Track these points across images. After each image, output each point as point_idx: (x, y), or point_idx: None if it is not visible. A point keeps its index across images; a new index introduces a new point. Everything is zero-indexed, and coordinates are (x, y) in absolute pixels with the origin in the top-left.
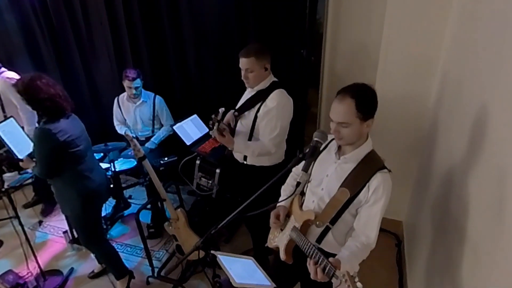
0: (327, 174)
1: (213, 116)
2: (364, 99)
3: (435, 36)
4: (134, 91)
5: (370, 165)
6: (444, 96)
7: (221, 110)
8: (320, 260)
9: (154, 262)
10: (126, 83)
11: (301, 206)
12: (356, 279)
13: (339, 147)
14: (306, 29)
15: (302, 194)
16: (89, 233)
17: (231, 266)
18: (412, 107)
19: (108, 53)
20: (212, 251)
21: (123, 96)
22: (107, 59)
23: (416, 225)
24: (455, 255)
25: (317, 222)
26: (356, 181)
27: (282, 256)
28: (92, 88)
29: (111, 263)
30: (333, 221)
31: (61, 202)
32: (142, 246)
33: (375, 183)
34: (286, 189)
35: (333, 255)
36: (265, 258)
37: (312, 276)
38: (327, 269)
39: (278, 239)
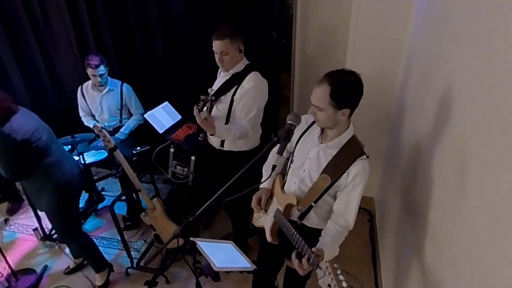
0: (309, 156)
1: (202, 97)
2: (340, 89)
3: (402, 16)
4: (99, 79)
5: (351, 152)
6: (410, 75)
7: (210, 90)
8: (304, 250)
9: (132, 253)
10: (89, 71)
11: (283, 187)
12: (339, 272)
13: (322, 130)
14: (276, 11)
15: (284, 174)
16: (67, 227)
17: (211, 251)
18: (381, 86)
19: (69, 39)
20: (191, 238)
21: (88, 84)
22: (67, 45)
23: (386, 201)
24: (420, 228)
25: (299, 207)
26: (336, 168)
27: (268, 238)
28: (53, 76)
29: (91, 256)
30: (315, 200)
31: (37, 199)
32: (119, 238)
33: (354, 170)
34: (267, 169)
35: (316, 231)
36: (245, 242)
37: (296, 268)
38: (311, 260)
39: (263, 220)
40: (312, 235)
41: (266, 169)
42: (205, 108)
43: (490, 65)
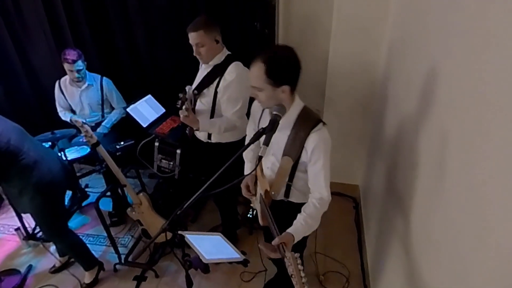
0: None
1: (180, 95)
2: (274, 65)
3: (383, 2)
4: (76, 75)
5: (303, 126)
6: (393, 62)
7: (188, 87)
8: (276, 241)
9: (120, 249)
10: (66, 66)
11: (262, 171)
12: (299, 261)
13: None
14: (258, 1)
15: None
16: (53, 227)
17: (200, 244)
18: (364, 73)
19: (44, 31)
20: (179, 232)
21: (65, 79)
22: (43, 38)
23: (370, 188)
24: (403, 214)
25: (272, 193)
26: (294, 147)
27: (260, 221)
28: (29, 71)
29: (79, 255)
30: (290, 179)
31: (18, 202)
32: (106, 234)
33: (311, 145)
34: (247, 155)
35: (302, 205)
36: (234, 233)
37: (266, 251)
38: (279, 250)
39: (255, 203)
40: (299, 210)
41: (246, 156)
42: (184, 106)
43: (470, 53)
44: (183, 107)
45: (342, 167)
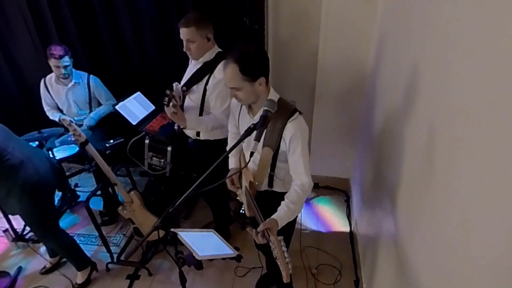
0: None
1: (167, 91)
2: (247, 62)
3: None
4: (63, 71)
5: (280, 118)
6: (381, 56)
7: (175, 84)
8: (260, 228)
9: (112, 248)
10: (52, 62)
11: (246, 165)
12: (282, 244)
13: (249, 106)
14: None
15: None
16: (44, 227)
17: (193, 241)
18: (354, 67)
19: (27, 27)
20: (172, 229)
21: (51, 77)
22: (26, 34)
23: (361, 181)
24: (392, 206)
25: (256, 183)
26: (273, 137)
27: (247, 212)
28: (13, 68)
29: (71, 255)
30: (272, 169)
31: (6, 204)
32: (97, 233)
33: (288, 134)
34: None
35: (285, 193)
36: (227, 229)
37: (254, 237)
38: (264, 235)
39: (241, 196)
40: (282, 199)
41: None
42: (171, 103)
43: (456, 46)
44: (170, 104)
45: (332, 161)
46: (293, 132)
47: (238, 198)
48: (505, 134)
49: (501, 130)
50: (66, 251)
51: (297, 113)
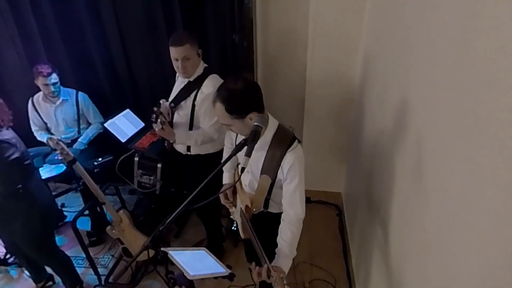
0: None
1: (155, 108)
2: (233, 102)
3: (357, 14)
4: (52, 88)
5: (279, 147)
6: (368, 72)
7: (162, 101)
8: (263, 261)
9: (100, 269)
10: (40, 81)
11: (242, 185)
12: (285, 281)
13: None
14: (236, 15)
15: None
16: (46, 247)
17: (184, 260)
18: (341, 83)
19: (13, 42)
20: (162, 248)
21: (38, 96)
22: (12, 50)
23: (352, 195)
24: (384, 220)
25: (253, 209)
26: (271, 166)
27: (241, 234)
28: None
29: (69, 271)
30: (269, 193)
31: (8, 224)
32: (84, 255)
33: (287, 164)
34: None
35: (281, 214)
36: (220, 246)
37: (254, 274)
38: (267, 273)
39: (235, 215)
40: (278, 219)
41: (224, 168)
42: (158, 120)
43: (441, 60)
44: (158, 120)
45: (324, 175)
46: (292, 162)
47: (231, 216)
48: (493, 148)
49: (489, 145)
50: (64, 267)
51: (296, 141)
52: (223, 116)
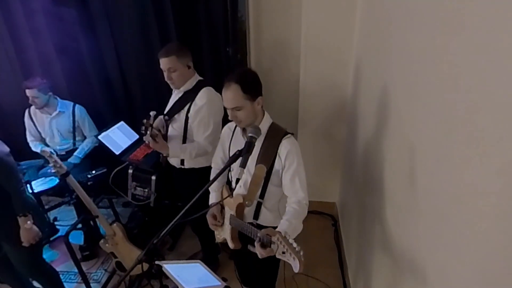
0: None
1: (144, 121)
2: (247, 81)
3: (347, 26)
4: (36, 100)
5: (275, 136)
6: (359, 81)
7: (152, 113)
8: (258, 235)
9: (92, 285)
10: (26, 93)
11: (231, 195)
12: (288, 237)
13: (244, 129)
14: (229, 28)
15: (229, 183)
16: (37, 260)
17: (179, 273)
18: (334, 94)
19: (8, 57)
20: (156, 262)
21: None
22: (6, 64)
23: (347, 205)
24: (378, 230)
25: (246, 202)
26: (267, 154)
27: (231, 244)
28: None
29: (56, 285)
30: (262, 195)
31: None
32: (77, 270)
33: (284, 150)
34: (212, 185)
35: (274, 228)
36: (215, 258)
37: (259, 255)
38: (264, 241)
39: (223, 232)
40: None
41: (211, 187)
42: (148, 132)
43: (430, 70)
44: (148, 132)
45: (318, 185)
46: (289, 148)
47: (216, 240)
48: (484, 153)
49: (480, 152)
50: (53, 282)
51: (289, 134)
52: (237, 96)
